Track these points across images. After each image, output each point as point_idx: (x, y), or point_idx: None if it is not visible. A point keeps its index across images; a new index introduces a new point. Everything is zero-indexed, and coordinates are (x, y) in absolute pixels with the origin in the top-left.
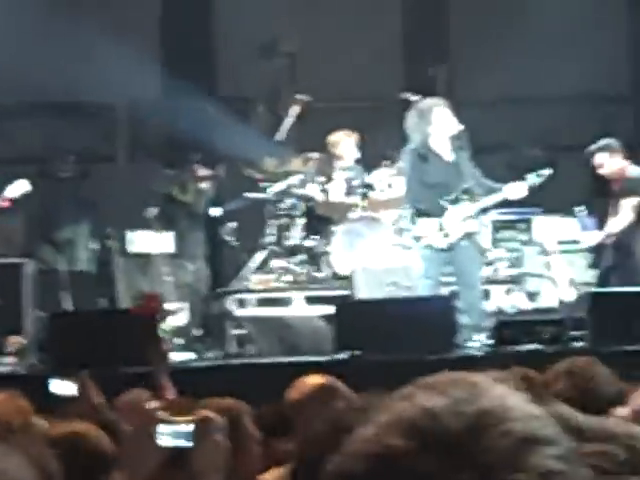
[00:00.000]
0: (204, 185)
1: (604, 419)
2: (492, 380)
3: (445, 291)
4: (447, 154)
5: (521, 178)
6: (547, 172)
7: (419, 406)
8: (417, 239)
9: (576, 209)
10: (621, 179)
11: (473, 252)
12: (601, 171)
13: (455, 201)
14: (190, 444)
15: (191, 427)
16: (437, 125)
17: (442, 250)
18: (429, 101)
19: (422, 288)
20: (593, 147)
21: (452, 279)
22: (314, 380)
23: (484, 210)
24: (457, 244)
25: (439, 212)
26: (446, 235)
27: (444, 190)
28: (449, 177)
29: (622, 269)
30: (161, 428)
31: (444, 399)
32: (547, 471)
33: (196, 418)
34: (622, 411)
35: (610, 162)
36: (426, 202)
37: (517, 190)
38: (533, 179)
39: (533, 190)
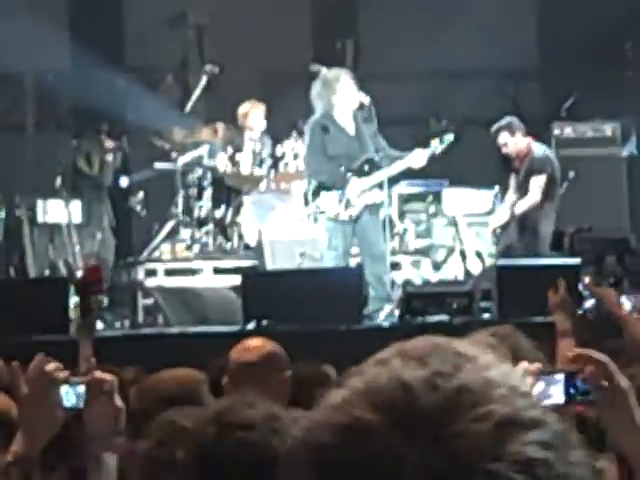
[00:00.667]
0: (109, 157)
1: None
2: (477, 347)
3: (353, 262)
4: (350, 125)
5: (426, 145)
6: (451, 138)
7: (394, 376)
8: (321, 212)
9: (493, 193)
10: (526, 157)
11: (377, 223)
12: (505, 150)
13: (357, 172)
14: (82, 405)
15: (83, 388)
16: (341, 95)
17: (346, 222)
18: (335, 71)
19: (328, 260)
20: (495, 126)
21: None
22: (261, 345)
23: (392, 181)
24: (361, 215)
25: (341, 184)
26: (348, 206)
27: (345, 161)
28: (351, 149)
29: (525, 247)
30: (61, 389)
31: (422, 370)
32: (528, 459)
33: (87, 379)
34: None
35: (513, 141)
36: (327, 174)
37: (418, 158)
38: (437, 145)
39: (436, 157)
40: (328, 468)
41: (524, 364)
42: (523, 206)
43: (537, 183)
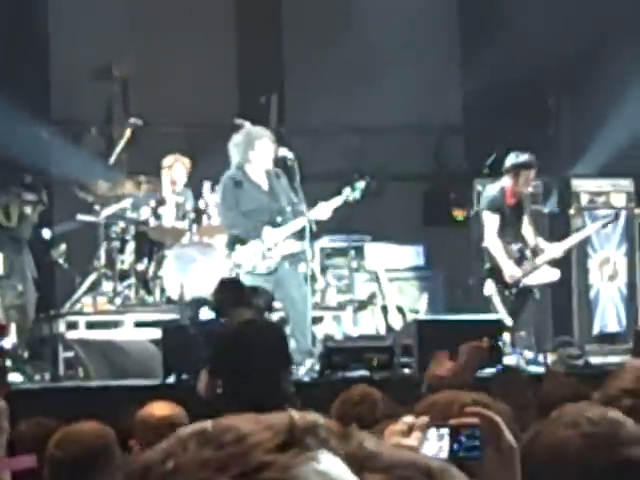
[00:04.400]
0: (28, 209)
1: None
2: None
3: (275, 317)
4: (263, 181)
5: (338, 192)
6: (362, 185)
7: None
8: (237, 266)
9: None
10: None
11: (297, 275)
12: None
13: (270, 224)
14: None
15: None
16: (258, 154)
17: (264, 274)
18: (260, 130)
19: None
20: (535, 161)
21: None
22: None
23: (314, 236)
24: (279, 267)
25: (255, 236)
26: (264, 258)
27: (258, 215)
28: (263, 202)
29: None
30: None
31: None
32: None
33: None
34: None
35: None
36: (241, 227)
37: (322, 210)
38: (349, 193)
39: (352, 205)
40: None
41: (408, 418)
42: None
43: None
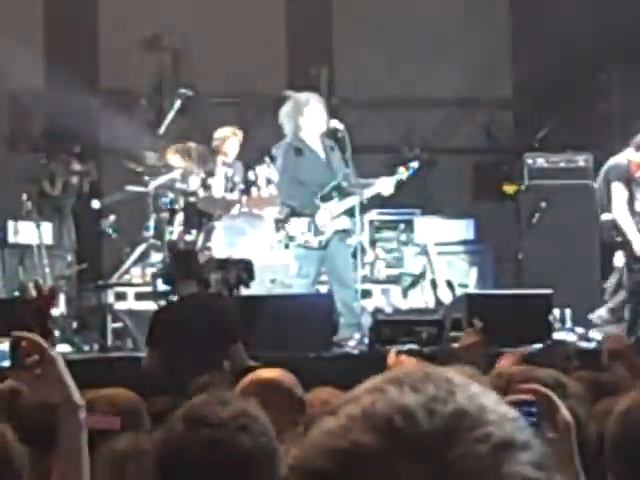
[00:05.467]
0: (74, 179)
1: None
2: (464, 376)
3: (323, 289)
4: (320, 151)
5: (388, 164)
6: (415, 165)
7: (392, 402)
8: (290, 238)
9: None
10: None
11: (346, 250)
12: None
13: (326, 198)
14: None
15: (5, 346)
16: (309, 118)
17: (316, 248)
18: (306, 95)
19: (297, 288)
20: None
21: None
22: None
23: (364, 209)
24: (330, 242)
25: (311, 210)
26: (317, 233)
27: (315, 187)
28: (320, 175)
29: None
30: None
31: (418, 396)
32: (524, 479)
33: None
34: None
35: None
36: (299, 199)
37: (386, 185)
38: (403, 171)
39: (403, 184)
40: None
41: None
42: None
43: None
